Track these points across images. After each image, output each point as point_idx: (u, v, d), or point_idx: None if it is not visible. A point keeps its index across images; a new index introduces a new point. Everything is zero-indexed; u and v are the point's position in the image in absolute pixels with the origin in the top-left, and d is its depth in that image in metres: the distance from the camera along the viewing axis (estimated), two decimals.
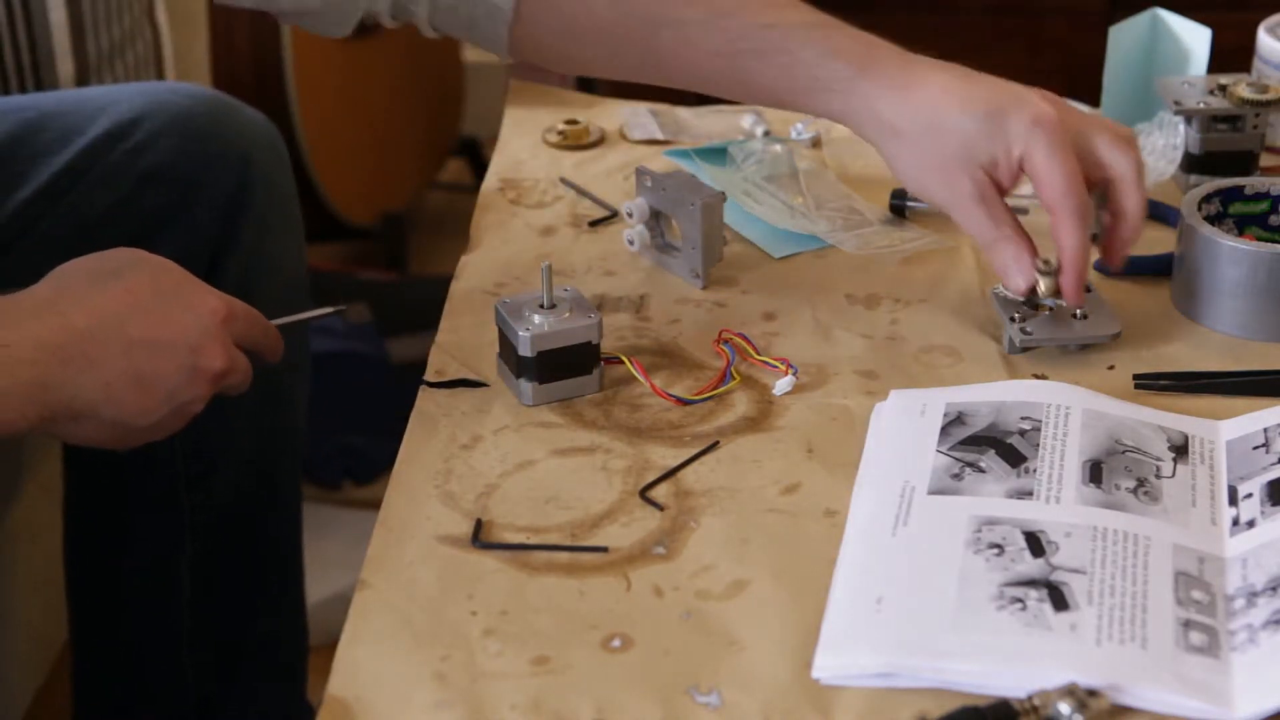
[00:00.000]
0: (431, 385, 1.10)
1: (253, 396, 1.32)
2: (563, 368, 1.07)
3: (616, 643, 0.89)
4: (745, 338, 1.13)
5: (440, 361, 1.13)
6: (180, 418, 1.03)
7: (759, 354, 1.12)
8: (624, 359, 1.11)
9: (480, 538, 0.97)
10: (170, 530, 1.39)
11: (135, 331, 0.99)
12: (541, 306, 1.08)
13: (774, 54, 1.14)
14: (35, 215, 1.28)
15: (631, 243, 1.23)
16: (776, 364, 1.10)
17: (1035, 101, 1.11)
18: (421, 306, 1.58)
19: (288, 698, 1.49)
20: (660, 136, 1.42)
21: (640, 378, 1.09)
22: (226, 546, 1.42)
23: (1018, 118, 1.09)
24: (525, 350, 1.06)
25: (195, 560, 1.40)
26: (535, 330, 1.06)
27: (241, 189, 1.32)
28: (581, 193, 1.34)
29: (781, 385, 1.09)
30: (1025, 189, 1.32)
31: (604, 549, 0.96)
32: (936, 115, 1.11)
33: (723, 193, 1.19)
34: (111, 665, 1.45)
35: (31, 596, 1.61)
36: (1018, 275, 1.11)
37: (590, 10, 1.17)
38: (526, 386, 1.07)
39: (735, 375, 1.10)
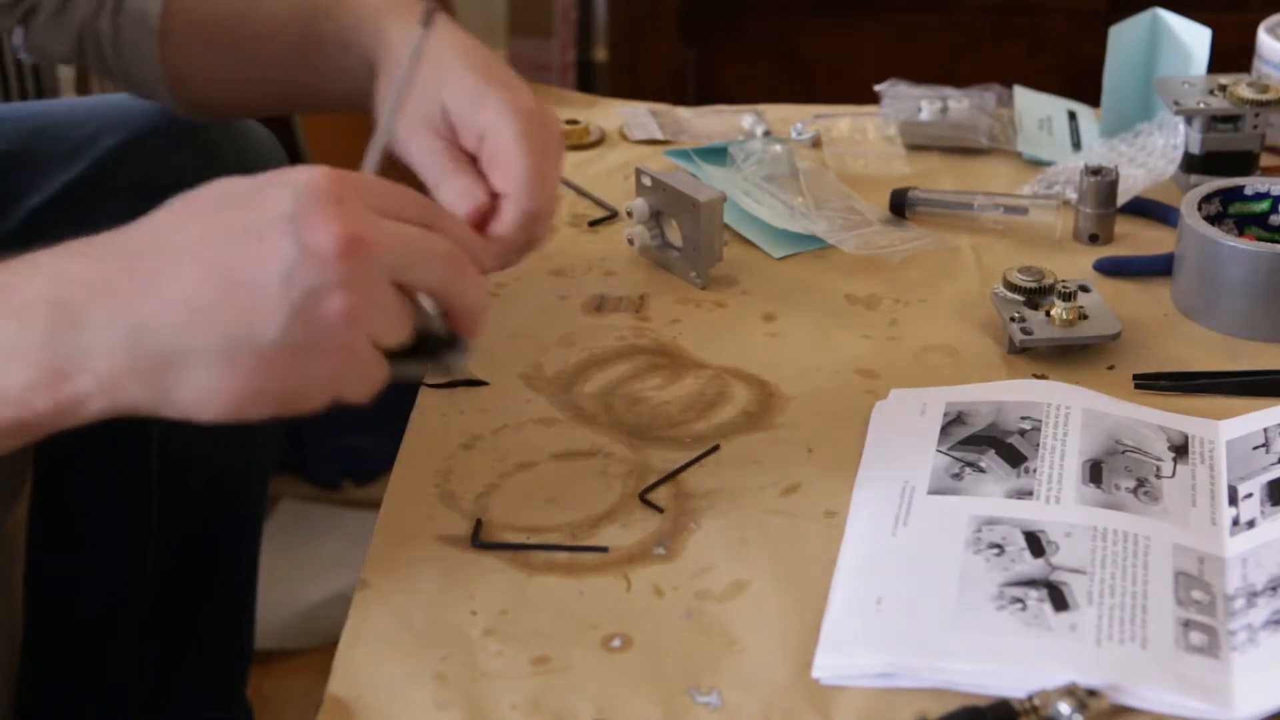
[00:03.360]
0: (431, 385, 1.10)
1: None
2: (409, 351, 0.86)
3: (616, 643, 0.89)
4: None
5: None
6: (320, 328, 0.75)
7: None
8: None
9: (480, 538, 0.97)
10: (137, 530, 1.40)
11: (200, 229, 0.76)
12: None
13: (335, 10, 1.09)
14: (46, 223, 1.29)
15: (631, 242, 1.23)
16: None
17: (521, 87, 1.03)
18: None
19: (226, 697, 1.50)
20: (660, 136, 1.42)
21: None
22: (191, 545, 1.42)
23: (499, 89, 1.01)
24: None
25: (159, 560, 1.41)
26: None
27: None
28: (581, 193, 1.34)
29: None
30: (1025, 188, 1.32)
31: (604, 549, 0.96)
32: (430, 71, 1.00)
33: (722, 193, 1.19)
34: (63, 659, 1.45)
35: None
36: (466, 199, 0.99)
37: (210, 4, 1.16)
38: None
39: None
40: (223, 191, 0.78)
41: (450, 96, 1.02)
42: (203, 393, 0.76)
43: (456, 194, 1.00)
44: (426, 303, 0.84)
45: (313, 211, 0.75)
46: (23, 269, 0.77)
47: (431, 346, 0.85)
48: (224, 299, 0.74)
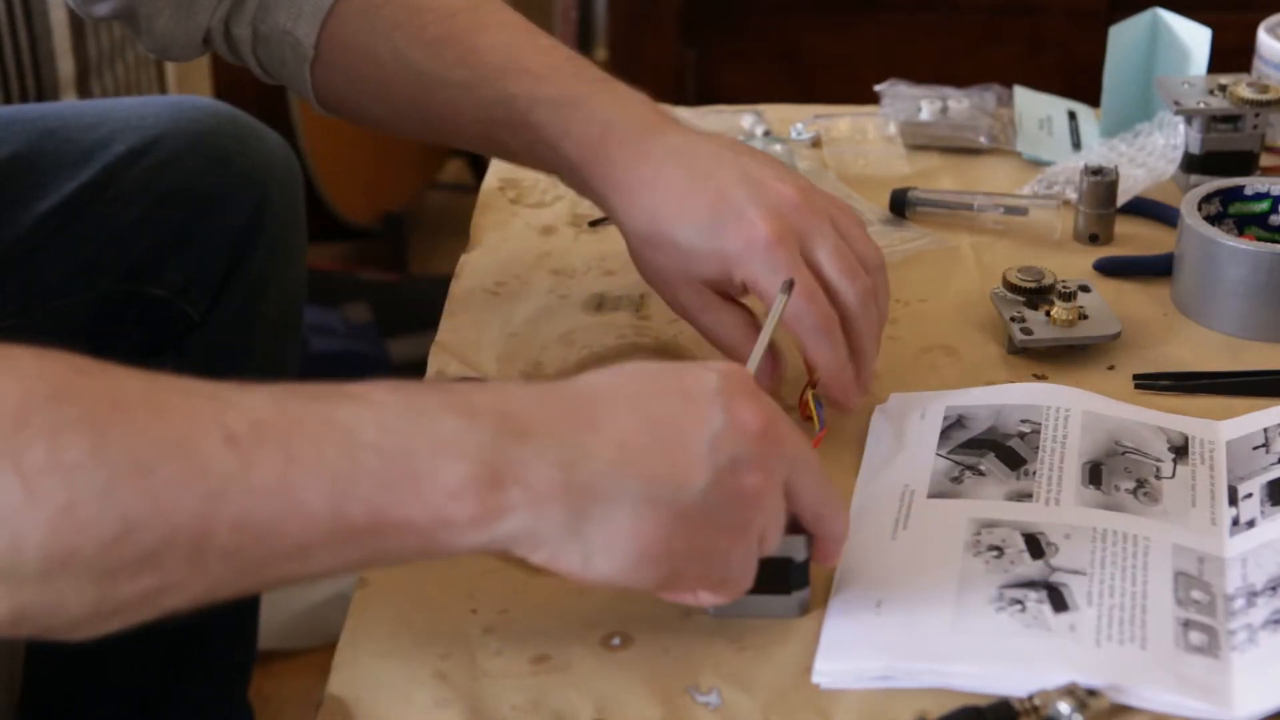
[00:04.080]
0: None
1: None
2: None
3: (616, 641, 0.89)
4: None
5: (440, 361, 1.13)
6: (732, 497, 0.80)
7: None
8: None
9: None
10: None
11: (637, 388, 0.82)
12: None
13: (520, 128, 1.07)
14: (55, 227, 1.29)
15: None
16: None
17: (753, 215, 1.00)
18: (421, 306, 1.58)
19: (228, 698, 1.50)
20: None
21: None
22: None
23: (733, 236, 1.00)
24: None
25: None
26: None
27: (258, 213, 1.33)
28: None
29: None
30: (1025, 188, 1.32)
31: None
32: (655, 227, 1.02)
33: None
34: (64, 659, 1.45)
35: None
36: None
37: (376, 62, 1.12)
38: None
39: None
40: (650, 366, 0.83)
41: (685, 254, 1.02)
42: (617, 534, 0.79)
43: (728, 326, 1.04)
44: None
45: (737, 392, 0.81)
46: (469, 384, 0.82)
47: (784, 579, 0.88)
48: (657, 448, 0.79)
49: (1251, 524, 0.95)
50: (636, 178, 1.04)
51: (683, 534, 0.79)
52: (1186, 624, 0.88)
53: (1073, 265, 1.22)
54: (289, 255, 1.36)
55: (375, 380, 0.79)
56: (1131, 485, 0.98)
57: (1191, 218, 1.17)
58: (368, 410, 0.77)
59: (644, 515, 0.78)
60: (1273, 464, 0.99)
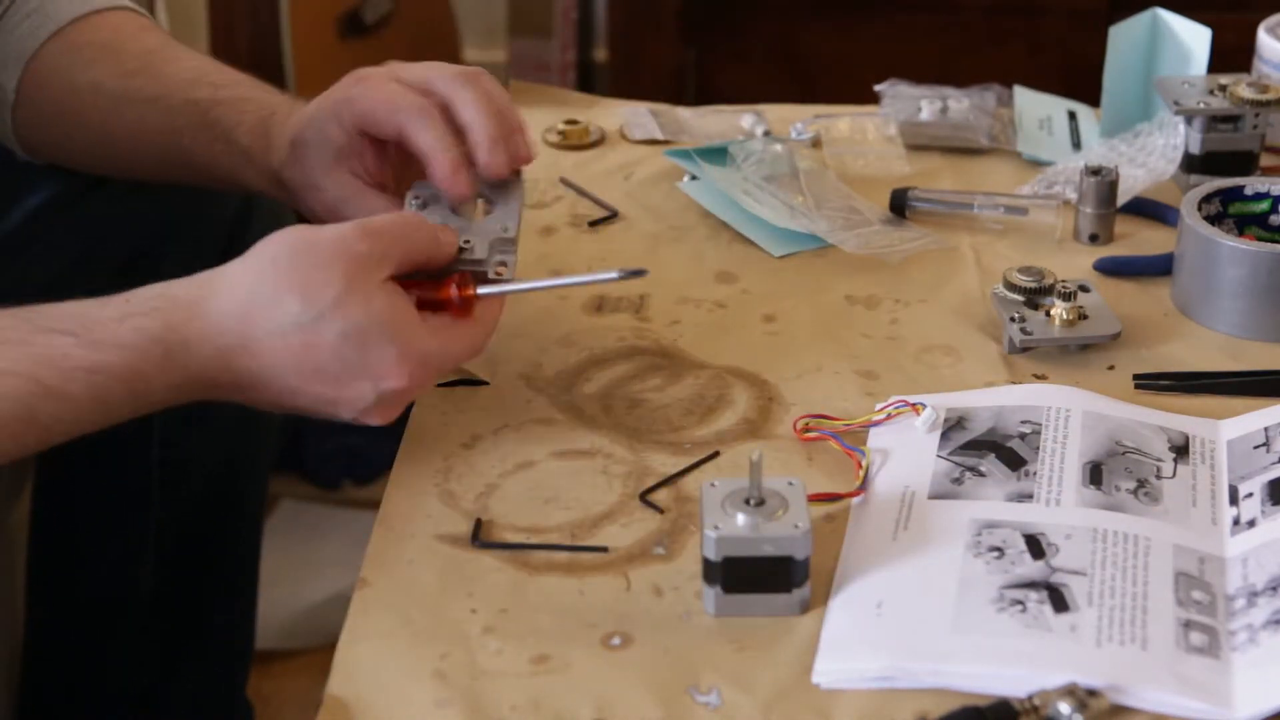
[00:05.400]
0: (436, 385, 1.10)
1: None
2: (753, 581, 0.91)
3: (616, 641, 0.89)
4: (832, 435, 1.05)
5: None
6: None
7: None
8: None
9: (480, 537, 0.97)
10: (138, 529, 1.40)
11: (297, 382, 0.98)
12: (748, 502, 0.92)
13: (200, 129, 1.16)
14: (48, 223, 1.29)
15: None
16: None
17: (368, 79, 1.10)
18: None
19: (228, 694, 1.50)
20: (660, 136, 1.42)
21: None
22: (191, 544, 1.42)
23: (345, 90, 1.10)
24: (710, 553, 0.91)
25: (159, 557, 1.41)
26: (724, 532, 0.90)
27: (245, 204, 1.33)
28: (581, 193, 1.34)
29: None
30: (1025, 188, 1.32)
31: (604, 549, 0.96)
32: (301, 136, 1.11)
33: None
34: (64, 656, 1.46)
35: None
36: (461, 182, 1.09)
37: (75, 93, 1.20)
38: (709, 592, 0.92)
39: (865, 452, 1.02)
40: (342, 354, 0.97)
41: (320, 132, 1.11)
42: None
43: (378, 209, 1.10)
44: None
45: (372, 413, 1.00)
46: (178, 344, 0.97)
47: (785, 577, 0.91)
48: (276, 407, 1.01)
49: (1252, 524, 0.95)
50: (290, 133, 1.12)
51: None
52: (1187, 624, 0.88)
53: (1073, 265, 1.22)
54: None
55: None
56: (1132, 485, 0.98)
57: (1191, 218, 1.17)
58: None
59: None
60: (1273, 463, 0.99)
